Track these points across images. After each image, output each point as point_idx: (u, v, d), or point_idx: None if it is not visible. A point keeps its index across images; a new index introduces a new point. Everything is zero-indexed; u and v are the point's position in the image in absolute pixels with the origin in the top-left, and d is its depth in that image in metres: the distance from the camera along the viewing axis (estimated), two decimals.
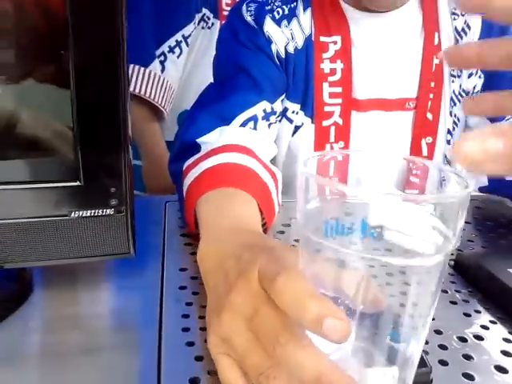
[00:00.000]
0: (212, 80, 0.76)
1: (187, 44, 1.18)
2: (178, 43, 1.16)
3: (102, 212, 0.37)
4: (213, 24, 1.23)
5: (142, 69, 1.12)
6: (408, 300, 0.27)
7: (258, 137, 0.66)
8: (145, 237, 0.55)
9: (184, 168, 0.57)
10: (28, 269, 0.45)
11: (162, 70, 1.15)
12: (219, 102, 0.67)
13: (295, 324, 0.28)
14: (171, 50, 1.15)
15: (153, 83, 1.13)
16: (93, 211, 0.37)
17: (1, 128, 0.36)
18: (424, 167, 0.30)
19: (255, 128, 0.67)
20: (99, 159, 0.37)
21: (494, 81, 0.74)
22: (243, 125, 0.66)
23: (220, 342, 0.32)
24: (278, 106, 0.72)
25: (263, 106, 0.69)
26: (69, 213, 0.38)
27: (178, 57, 1.17)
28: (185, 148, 0.61)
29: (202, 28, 1.22)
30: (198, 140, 0.62)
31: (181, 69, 1.20)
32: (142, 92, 1.12)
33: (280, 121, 0.75)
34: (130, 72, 0.38)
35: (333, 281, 0.27)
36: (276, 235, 0.58)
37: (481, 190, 0.73)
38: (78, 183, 0.37)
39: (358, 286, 0.27)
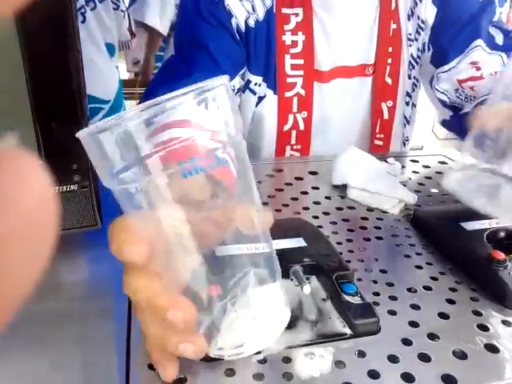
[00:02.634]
0: None
1: None
2: None
3: (67, 188, 0.39)
4: None
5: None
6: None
7: None
8: (115, 206, 0.57)
9: None
10: None
11: (83, 22, 1.24)
12: (178, 80, 0.68)
13: None
14: (87, 3, 1.23)
15: None
16: (57, 188, 0.39)
17: None
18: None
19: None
20: (59, 136, 0.38)
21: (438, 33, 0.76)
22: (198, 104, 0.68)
23: None
24: (236, 83, 0.73)
25: None
26: None
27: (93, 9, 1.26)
28: None
29: None
30: None
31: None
32: None
33: (244, 92, 0.76)
34: None
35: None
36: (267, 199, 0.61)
37: (443, 123, 0.76)
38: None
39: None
